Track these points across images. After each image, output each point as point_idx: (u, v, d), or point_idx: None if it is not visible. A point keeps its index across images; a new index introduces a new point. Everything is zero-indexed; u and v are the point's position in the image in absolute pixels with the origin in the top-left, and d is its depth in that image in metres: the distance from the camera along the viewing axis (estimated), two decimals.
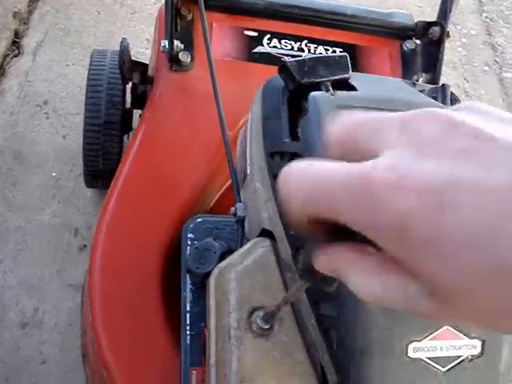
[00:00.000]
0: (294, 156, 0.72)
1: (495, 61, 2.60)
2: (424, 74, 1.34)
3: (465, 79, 2.52)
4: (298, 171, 0.32)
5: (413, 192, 0.27)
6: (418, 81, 1.32)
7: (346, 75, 0.79)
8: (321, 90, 0.75)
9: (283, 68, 0.78)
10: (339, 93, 0.74)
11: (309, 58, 0.77)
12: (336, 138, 0.34)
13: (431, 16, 2.54)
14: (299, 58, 0.77)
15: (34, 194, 1.75)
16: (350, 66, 0.79)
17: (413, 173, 0.28)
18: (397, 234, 0.28)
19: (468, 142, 0.28)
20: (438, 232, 0.27)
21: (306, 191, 0.31)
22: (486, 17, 2.80)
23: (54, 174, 1.80)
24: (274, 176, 0.73)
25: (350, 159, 0.31)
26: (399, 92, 0.83)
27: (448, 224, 0.27)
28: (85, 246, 1.66)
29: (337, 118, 0.34)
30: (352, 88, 0.78)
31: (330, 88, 0.76)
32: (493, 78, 2.53)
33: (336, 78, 0.78)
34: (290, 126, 0.76)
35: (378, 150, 0.30)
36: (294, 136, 0.74)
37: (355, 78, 0.80)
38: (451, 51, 2.56)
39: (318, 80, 0.77)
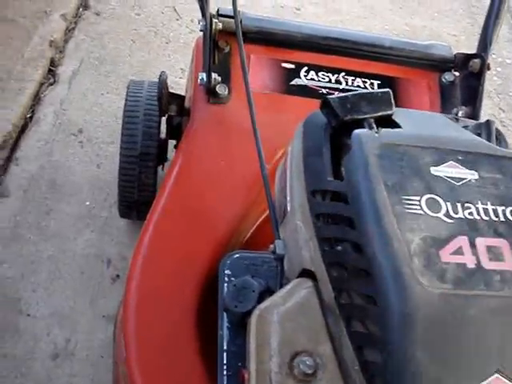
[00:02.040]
0: (336, 195, 0.70)
1: None
2: (464, 107, 1.32)
3: (500, 109, 2.49)
4: None
5: None
6: (457, 114, 1.30)
7: (390, 112, 0.77)
8: (363, 127, 0.74)
9: (325, 104, 0.76)
10: (383, 130, 0.73)
11: (352, 95, 0.76)
12: None
13: (466, 45, 2.52)
14: (342, 95, 0.76)
15: (67, 223, 1.76)
16: (393, 102, 0.77)
17: None
18: None
19: None
20: None
21: None
22: None
23: (87, 203, 1.81)
24: (316, 215, 0.71)
25: None
26: (444, 129, 0.81)
27: None
28: (117, 276, 1.65)
29: None
30: (396, 125, 0.76)
31: (374, 125, 0.74)
32: None
33: (379, 114, 0.76)
34: (333, 163, 0.74)
35: None
36: (337, 174, 0.73)
37: (398, 114, 0.78)
38: (486, 80, 2.52)
39: (361, 117, 0.75)
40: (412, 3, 2.84)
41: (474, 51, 1.37)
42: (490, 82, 2.56)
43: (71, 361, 1.48)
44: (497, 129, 0.89)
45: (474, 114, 1.31)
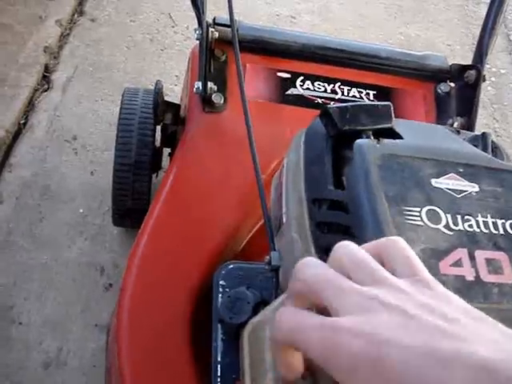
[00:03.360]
0: (337, 204, 0.70)
1: None
2: (459, 118, 1.32)
3: (494, 119, 2.50)
4: (289, 317, 0.43)
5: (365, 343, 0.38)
6: (452, 125, 1.30)
7: (389, 124, 0.77)
8: (363, 138, 0.74)
9: (325, 113, 0.76)
10: (385, 141, 0.72)
11: (351, 106, 0.75)
12: (297, 290, 0.45)
13: (461, 55, 2.53)
14: (342, 105, 0.75)
15: (60, 230, 1.74)
16: (393, 115, 0.77)
17: (362, 332, 0.39)
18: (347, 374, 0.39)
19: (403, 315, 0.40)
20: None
21: (293, 334, 0.42)
22: None
23: (81, 211, 1.80)
24: (315, 224, 0.70)
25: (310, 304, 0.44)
26: (445, 141, 0.80)
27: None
28: (110, 285, 1.64)
29: (303, 270, 0.45)
30: (397, 135, 0.76)
31: (371, 136, 0.74)
32: None
33: (378, 127, 0.76)
34: (334, 173, 0.74)
35: (339, 311, 0.41)
36: (338, 184, 0.72)
37: (399, 124, 0.78)
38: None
39: (360, 128, 0.75)
40: (407, 12, 2.85)
41: (468, 62, 1.37)
42: (484, 91, 2.56)
43: (63, 370, 1.47)
44: (493, 141, 0.89)
45: (469, 125, 1.31)
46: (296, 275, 0.46)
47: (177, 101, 1.55)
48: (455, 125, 1.30)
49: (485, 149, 0.85)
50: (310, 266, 0.46)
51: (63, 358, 1.48)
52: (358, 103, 0.77)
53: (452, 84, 1.39)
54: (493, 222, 0.67)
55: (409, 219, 0.64)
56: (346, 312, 0.41)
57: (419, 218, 0.64)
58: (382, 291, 0.42)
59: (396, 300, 0.41)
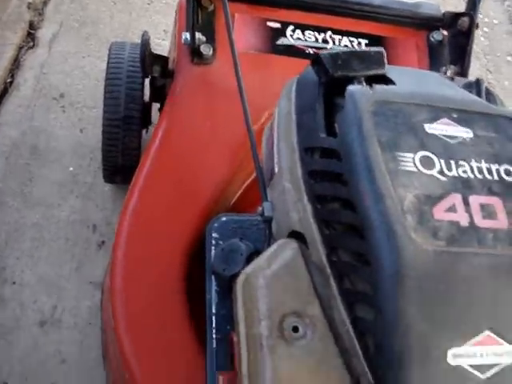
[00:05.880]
0: (330, 152, 0.68)
1: None
2: (452, 66, 1.30)
3: (487, 70, 2.47)
4: None
5: None
6: (446, 73, 1.28)
7: (382, 71, 0.76)
8: (355, 84, 0.72)
9: (316, 60, 0.74)
10: (377, 87, 0.71)
11: (343, 52, 0.74)
12: None
13: (453, 4, 2.49)
14: (333, 51, 0.74)
15: (51, 189, 1.73)
16: (385, 61, 0.75)
17: None
18: None
19: None
20: None
21: None
22: (509, 5, 2.73)
23: (71, 169, 1.78)
24: (308, 172, 0.69)
25: None
26: (439, 87, 0.79)
27: None
28: (103, 242, 1.63)
29: None
30: (390, 81, 0.74)
31: (364, 83, 0.72)
32: None
33: (371, 73, 0.74)
34: (326, 120, 0.72)
35: None
36: (330, 131, 0.71)
37: (392, 71, 0.76)
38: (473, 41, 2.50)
39: (352, 74, 0.73)
40: None
41: (462, 10, 1.35)
42: (477, 42, 2.53)
43: (59, 328, 1.47)
44: (487, 88, 0.88)
45: (462, 73, 1.30)
46: None
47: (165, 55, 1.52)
48: (448, 73, 1.28)
49: (478, 95, 0.84)
50: None
51: (58, 316, 1.49)
52: (350, 49, 0.76)
53: (445, 32, 1.36)
54: (487, 168, 0.66)
55: (402, 165, 0.63)
56: None
57: (412, 164, 0.63)
58: None
59: None
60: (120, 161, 1.48)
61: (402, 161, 0.63)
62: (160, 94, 1.48)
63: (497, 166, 0.67)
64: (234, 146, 1.13)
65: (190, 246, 1.02)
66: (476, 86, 0.86)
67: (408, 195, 0.61)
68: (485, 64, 2.49)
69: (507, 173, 0.67)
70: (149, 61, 1.30)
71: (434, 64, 1.32)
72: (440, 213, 0.61)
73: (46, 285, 1.54)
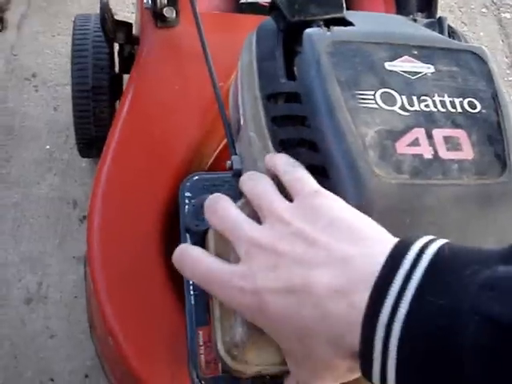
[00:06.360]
0: (291, 97, 0.68)
1: (493, 2, 2.52)
2: (419, 14, 1.29)
3: (462, 22, 2.46)
4: (191, 260, 0.53)
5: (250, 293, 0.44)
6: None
7: (340, 14, 0.75)
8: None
9: (273, 6, 0.73)
10: (335, 28, 0.70)
11: None
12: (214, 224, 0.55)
13: None
14: None
15: (28, 168, 1.72)
16: (344, 4, 0.74)
17: (251, 282, 0.44)
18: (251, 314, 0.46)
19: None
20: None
21: (196, 278, 0.51)
22: None
23: (47, 147, 1.77)
24: (271, 118, 0.69)
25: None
26: (399, 26, 0.78)
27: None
28: (84, 217, 1.62)
29: (219, 211, 0.53)
30: (348, 24, 0.74)
31: (324, 27, 0.72)
32: (491, 20, 2.46)
33: (329, 16, 0.74)
34: (286, 66, 0.72)
35: (239, 258, 0.47)
36: (291, 76, 0.71)
37: (351, 14, 0.75)
38: None
39: (310, 18, 0.72)
40: None
41: None
42: None
43: (45, 304, 1.48)
44: (450, 26, 0.87)
45: None
46: (210, 215, 0.54)
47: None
48: None
49: (441, 33, 0.83)
50: (224, 209, 0.52)
51: (44, 293, 1.49)
52: None
53: None
54: (450, 101, 0.65)
55: (362, 103, 0.62)
56: (240, 260, 0.47)
57: (373, 101, 0.63)
58: (266, 230, 0.47)
59: (272, 237, 0.45)
60: (93, 133, 1.47)
61: (363, 98, 0.63)
62: (129, 64, 1.46)
63: (460, 99, 0.66)
64: (204, 107, 1.11)
65: (165, 210, 1.02)
66: (438, 25, 0.85)
67: (370, 131, 0.60)
68: (459, 17, 2.48)
69: (471, 105, 0.66)
70: (110, 26, 1.28)
71: (401, 12, 1.31)
72: (403, 147, 0.60)
73: (30, 263, 1.54)
